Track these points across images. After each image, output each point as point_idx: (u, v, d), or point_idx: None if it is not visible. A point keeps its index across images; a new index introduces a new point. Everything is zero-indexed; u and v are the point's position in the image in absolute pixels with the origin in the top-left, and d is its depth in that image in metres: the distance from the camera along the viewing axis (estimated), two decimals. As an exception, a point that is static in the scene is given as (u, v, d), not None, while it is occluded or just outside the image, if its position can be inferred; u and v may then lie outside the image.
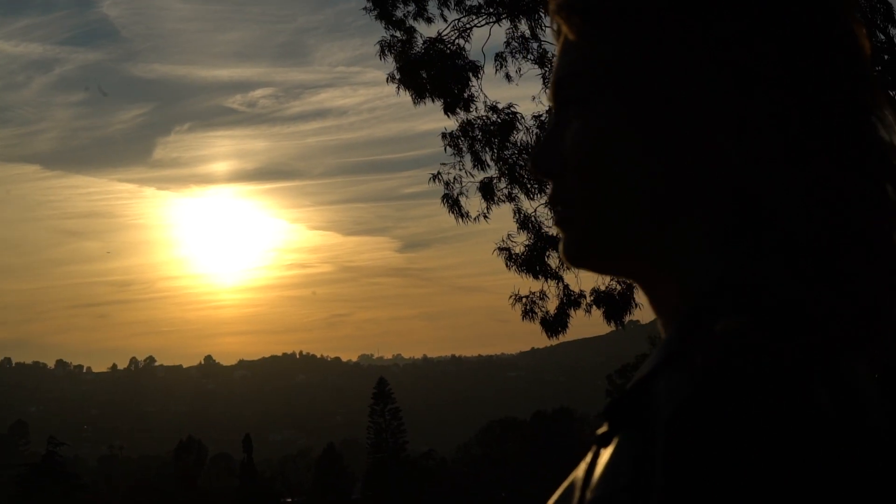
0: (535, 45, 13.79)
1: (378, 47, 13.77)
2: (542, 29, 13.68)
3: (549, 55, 13.71)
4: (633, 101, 0.81)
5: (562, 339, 14.06)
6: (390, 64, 13.91)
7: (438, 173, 14.18)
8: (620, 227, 0.83)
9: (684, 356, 0.69)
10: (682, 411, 0.64)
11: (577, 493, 0.76)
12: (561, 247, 0.87)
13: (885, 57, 10.85)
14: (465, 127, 13.91)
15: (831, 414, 0.64)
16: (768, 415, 0.62)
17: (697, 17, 0.78)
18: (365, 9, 13.68)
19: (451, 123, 13.96)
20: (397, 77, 13.81)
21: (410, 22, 13.73)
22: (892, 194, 0.76)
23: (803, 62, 0.76)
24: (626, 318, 13.74)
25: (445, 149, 14.12)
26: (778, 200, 0.75)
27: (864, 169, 0.75)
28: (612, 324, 13.80)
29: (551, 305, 13.87)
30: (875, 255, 0.74)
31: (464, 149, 14.02)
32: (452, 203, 14.18)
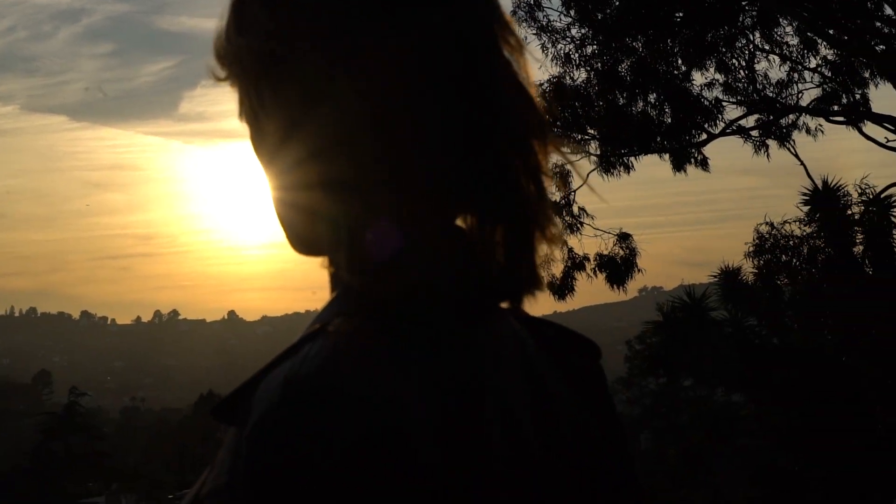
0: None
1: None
2: None
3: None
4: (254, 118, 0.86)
5: (583, 303, 14.02)
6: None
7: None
8: (283, 221, 0.89)
9: (287, 357, 0.69)
10: (259, 426, 0.64)
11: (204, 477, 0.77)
12: None
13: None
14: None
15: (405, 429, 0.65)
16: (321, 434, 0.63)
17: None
18: None
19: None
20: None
21: None
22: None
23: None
24: (629, 283, 13.72)
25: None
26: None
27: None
28: (616, 289, 13.83)
29: (557, 269, 13.85)
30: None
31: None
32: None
